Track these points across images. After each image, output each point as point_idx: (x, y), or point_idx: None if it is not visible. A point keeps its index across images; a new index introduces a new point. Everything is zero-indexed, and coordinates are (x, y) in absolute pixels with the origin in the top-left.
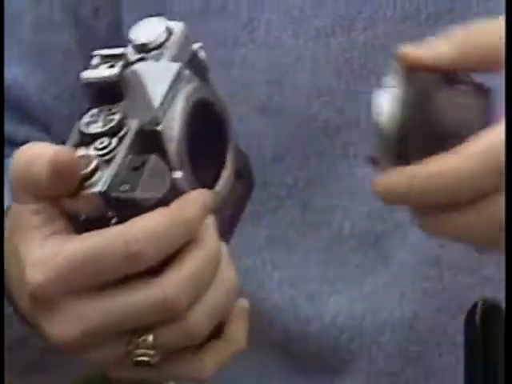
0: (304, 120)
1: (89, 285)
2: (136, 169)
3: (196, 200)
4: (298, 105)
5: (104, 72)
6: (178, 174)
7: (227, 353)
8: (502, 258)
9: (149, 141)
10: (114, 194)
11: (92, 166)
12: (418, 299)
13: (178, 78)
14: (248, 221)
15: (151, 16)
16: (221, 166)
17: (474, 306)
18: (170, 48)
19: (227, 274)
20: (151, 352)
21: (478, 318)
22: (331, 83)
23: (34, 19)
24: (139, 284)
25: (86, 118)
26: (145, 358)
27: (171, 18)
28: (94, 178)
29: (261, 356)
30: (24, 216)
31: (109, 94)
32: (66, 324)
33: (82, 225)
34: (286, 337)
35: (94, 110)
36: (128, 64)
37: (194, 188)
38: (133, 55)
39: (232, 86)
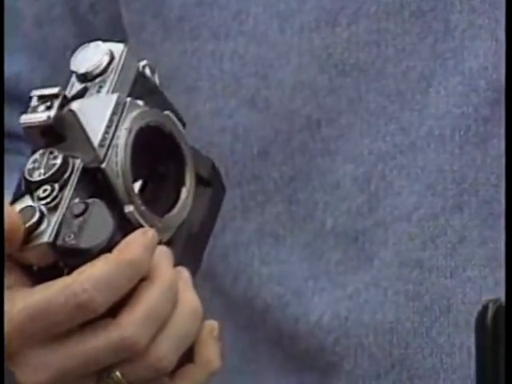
0: (288, 114)
1: (47, 335)
2: (79, 216)
3: (138, 240)
4: (282, 99)
5: (41, 115)
6: (129, 208)
7: (202, 376)
8: (487, 259)
9: (94, 180)
10: (59, 243)
11: (36, 217)
12: (400, 301)
13: (117, 110)
14: (237, 215)
15: (150, 10)
16: (180, 185)
17: (485, 307)
18: (113, 73)
19: (188, 301)
20: None
21: (488, 319)
22: (314, 78)
23: (35, 14)
24: (96, 328)
25: (29, 164)
26: None
27: (168, 11)
28: (41, 228)
29: (254, 353)
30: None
31: (49, 136)
32: (32, 372)
33: (36, 275)
34: (278, 334)
35: (36, 155)
36: (66, 103)
37: (147, 218)
38: (74, 87)
39: (223, 78)
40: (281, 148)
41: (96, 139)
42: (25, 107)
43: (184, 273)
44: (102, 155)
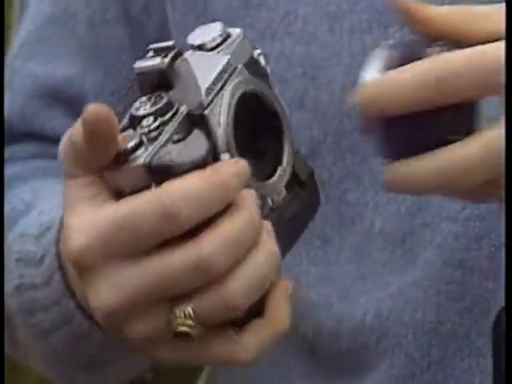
0: (338, 115)
1: (128, 249)
2: (178, 141)
3: (231, 167)
4: (333, 99)
5: (155, 61)
6: (225, 157)
7: (269, 333)
8: None
9: (196, 125)
10: (154, 163)
11: (135, 140)
12: (441, 302)
13: (226, 69)
14: None
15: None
16: (276, 163)
17: (501, 311)
18: (226, 50)
19: (268, 245)
20: (190, 322)
21: (503, 326)
22: None
23: (89, 16)
24: (176, 246)
25: (136, 104)
26: (184, 329)
27: (212, 13)
28: (138, 153)
29: (283, 356)
30: (73, 189)
31: (160, 82)
32: (105, 291)
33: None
34: (317, 335)
35: (144, 98)
36: (179, 54)
37: None
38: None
39: None
40: (330, 149)
41: (203, 88)
42: (74, 112)
43: (268, 224)
44: (206, 103)
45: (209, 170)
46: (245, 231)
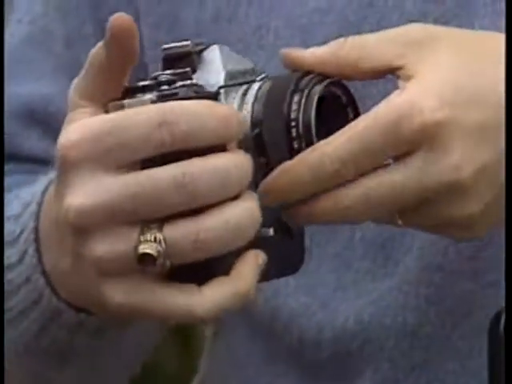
0: None
1: (116, 154)
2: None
3: (235, 117)
4: None
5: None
6: None
7: (231, 291)
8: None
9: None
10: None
11: (148, 82)
12: (421, 305)
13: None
14: None
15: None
16: None
17: (497, 315)
18: None
19: (250, 203)
20: (158, 247)
21: (502, 328)
22: None
23: (65, 34)
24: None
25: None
26: (150, 251)
27: (183, 27)
28: (147, 92)
29: (271, 365)
30: (75, 113)
31: (185, 63)
32: (84, 191)
33: None
34: (301, 344)
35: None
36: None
37: None
38: None
39: None
40: None
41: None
42: (52, 132)
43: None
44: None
45: (214, 104)
46: (234, 172)
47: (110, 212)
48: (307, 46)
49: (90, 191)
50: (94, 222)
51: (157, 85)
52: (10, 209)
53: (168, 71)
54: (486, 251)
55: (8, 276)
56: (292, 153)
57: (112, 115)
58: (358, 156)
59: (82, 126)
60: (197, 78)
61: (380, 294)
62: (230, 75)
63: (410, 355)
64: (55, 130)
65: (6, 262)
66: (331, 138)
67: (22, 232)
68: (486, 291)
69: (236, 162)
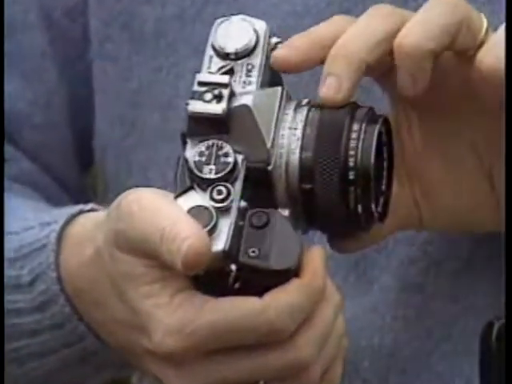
0: None
1: (223, 349)
2: (260, 228)
3: (320, 263)
4: None
5: (214, 107)
6: (285, 212)
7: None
8: (492, 285)
9: (256, 180)
10: (242, 260)
11: (213, 222)
12: (399, 327)
13: (280, 105)
14: None
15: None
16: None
17: (489, 325)
18: (260, 55)
19: (340, 321)
20: None
21: (494, 338)
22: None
23: (8, 21)
24: (272, 346)
25: (195, 155)
26: None
27: (140, 24)
28: (215, 233)
29: None
30: (136, 267)
31: (215, 127)
32: (189, 380)
33: (199, 279)
34: None
35: (202, 147)
36: (233, 95)
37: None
38: (214, 64)
39: None
40: None
41: (268, 140)
42: None
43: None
44: (271, 157)
45: (307, 277)
46: (332, 321)
47: None
48: None
49: (195, 378)
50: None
51: (209, 194)
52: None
53: (203, 154)
54: (467, 272)
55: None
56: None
57: (215, 320)
58: None
59: (184, 331)
60: (232, 143)
61: (354, 314)
62: (272, 147)
63: (386, 377)
64: None
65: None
66: None
67: (34, 280)
68: (467, 313)
69: (334, 310)
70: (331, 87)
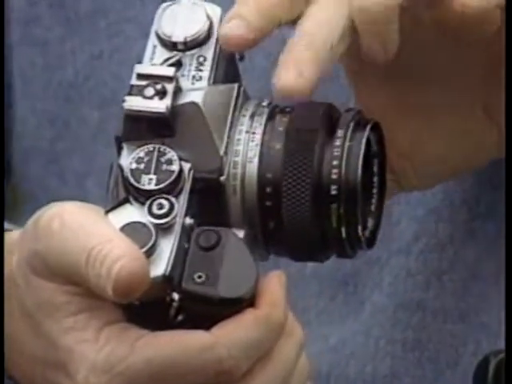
0: None
1: None
2: (208, 249)
3: (280, 293)
4: None
5: (156, 104)
6: (240, 233)
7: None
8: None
9: (205, 193)
10: (186, 286)
11: (152, 241)
12: (396, 352)
13: (236, 105)
14: None
15: None
16: None
17: (486, 360)
18: (212, 45)
19: (303, 361)
20: None
21: (490, 375)
22: None
23: None
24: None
25: (131, 163)
26: None
27: (73, 2)
28: (154, 255)
29: None
30: (56, 295)
31: (157, 128)
32: None
33: (133, 310)
34: None
35: (141, 153)
36: (180, 90)
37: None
38: (158, 55)
39: None
40: None
41: (221, 144)
42: None
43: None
44: (224, 166)
45: (263, 309)
46: (294, 359)
47: None
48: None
49: None
50: None
51: (147, 209)
52: None
53: (142, 161)
54: (475, 285)
55: None
56: None
57: (151, 359)
58: None
59: (110, 370)
60: (177, 147)
61: (341, 340)
62: (225, 154)
63: None
64: None
65: None
66: None
67: None
68: (478, 334)
69: (295, 348)
70: (289, 75)
